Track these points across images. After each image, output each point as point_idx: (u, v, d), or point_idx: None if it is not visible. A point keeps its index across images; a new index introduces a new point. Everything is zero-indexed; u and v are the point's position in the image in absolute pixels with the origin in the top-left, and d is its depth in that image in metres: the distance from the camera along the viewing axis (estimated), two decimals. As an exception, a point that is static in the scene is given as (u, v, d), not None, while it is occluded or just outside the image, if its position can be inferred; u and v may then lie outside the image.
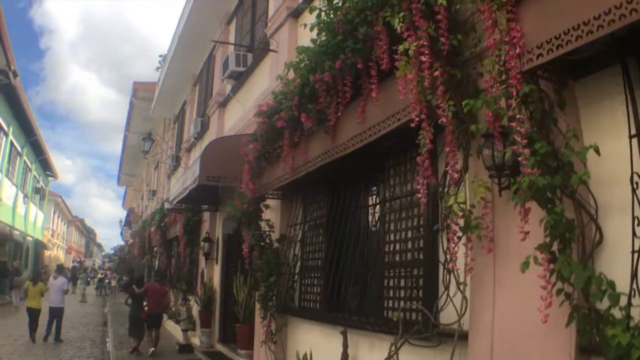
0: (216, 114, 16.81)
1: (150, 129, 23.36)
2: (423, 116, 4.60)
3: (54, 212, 66.71)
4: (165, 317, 20.55)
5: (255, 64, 13.27)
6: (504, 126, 4.02)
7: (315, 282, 8.49)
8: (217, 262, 15.50)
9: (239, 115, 13.77)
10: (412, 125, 4.64)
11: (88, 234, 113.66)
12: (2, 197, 33.44)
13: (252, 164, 9.09)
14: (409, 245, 6.10)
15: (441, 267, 5.21)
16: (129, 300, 15.49)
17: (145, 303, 15.09)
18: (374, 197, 7.16)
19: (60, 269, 18.72)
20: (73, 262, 73.83)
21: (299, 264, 9.11)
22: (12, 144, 35.76)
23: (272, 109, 8.02)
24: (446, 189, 4.83)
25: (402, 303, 6.04)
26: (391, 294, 6.37)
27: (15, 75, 28.41)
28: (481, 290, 4.66)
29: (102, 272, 53.62)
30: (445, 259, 4.88)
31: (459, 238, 4.57)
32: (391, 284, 6.40)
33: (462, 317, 4.77)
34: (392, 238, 6.48)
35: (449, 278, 4.87)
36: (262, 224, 9.44)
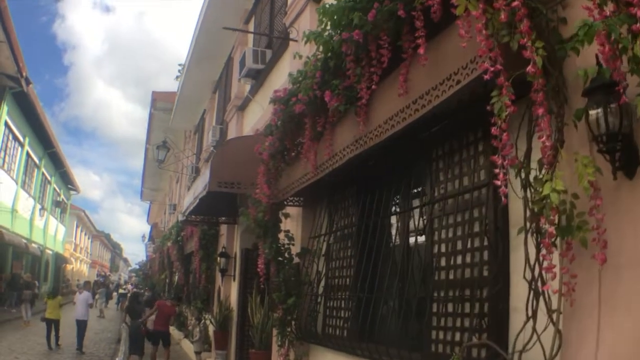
0: (234, 119, 15.59)
1: (165, 136, 22.20)
2: (498, 67, 3.18)
3: (77, 226, 66.28)
4: (181, 335, 19.38)
5: (275, 60, 12.03)
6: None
7: (343, 304, 7.02)
8: (234, 279, 14.17)
9: (258, 117, 12.46)
10: (486, 77, 3.22)
11: (114, 248, 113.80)
12: (17, 209, 32.62)
13: (267, 163, 7.69)
14: (468, 259, 4.64)
15: (517, 287, 3.80)
16: (127, 318, 15.07)
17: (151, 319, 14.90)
18: (419, 198, 5.69)
19: (85, 285, 20.92)
20: (97, 276, 73.38)
21: (322, 283, 7.66)
22: (28, 155, 35.11)
23: (290, 92, 6.62)
24: (535, 173, 3.35)
25: (457, 335, 4.60)
26: (442, 322, 4.90)
27: (28, 82, 27.54)
28: (582, 320, 3.22)
29: (124, 287, 52.61)
30: (533, 276, 3.42)
31: (555, 245, 3.13)
32: (442, 309, 4.93)
33: (553, 359, 3.32)
34: (443, 249, 5.03)
35: (536, 303, 3.41)
36: (281, 235, 8.00)
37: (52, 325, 17.81)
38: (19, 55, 25.18)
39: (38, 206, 39.25)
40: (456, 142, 5.01)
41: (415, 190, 5.73)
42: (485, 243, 4.45)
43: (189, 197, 12.92)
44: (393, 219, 6.07)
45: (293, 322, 7.68)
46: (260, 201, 7.79)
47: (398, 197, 6.00)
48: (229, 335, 13.89)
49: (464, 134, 4.85)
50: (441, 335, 4.87)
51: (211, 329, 14.76)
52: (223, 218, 14.66)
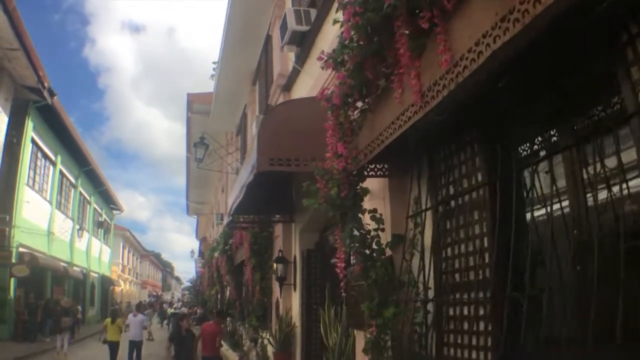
0: (280, 102, 13.41)
1: (203, 132, 20.23)
2: None
3: (123, 247, 65.24)
4: (236, 356, 17.28)
5: (322, 19, 10.11)
6: None
7: (473, 310, 4.66)
8: (295, 289, 11.99)
9: (308, 89, 10.34)
10: None
11: (164, 268, 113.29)
12: (54, 232, 31.14)
13: (338, 113, 5.39)
14: None
15: None
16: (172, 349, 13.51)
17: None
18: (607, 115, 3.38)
19: (139, 308, 22.10)
20: (149, 296, 72.59)
21: (432, 281, 5.32)
22: (62, 174, 33.82)
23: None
24: None
25: None
26: None
27: (52, 94, 26.03)
28: None
29: (175, 307, 50.86)
30: None
31: None
32: None
33: None
34: None
35: None
36: (364, 217, 5.67)
37: (113, 346, 19.15)
38: (38, 64, 23.70)
39: (77, 227, 37.84)
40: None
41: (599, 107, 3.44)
42: None
43: (234, 192, 10.80)
44: (563, 157, 3.76)
45: (391, 343, 5.38)
46: (331, 172, 5.52)
47: (557, 125, 3.72)
48: (292, 357, 11.74)
49: None
50: None
51: (270, 349, 12.65)
52: (277, 216, 12.50)
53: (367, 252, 5.46)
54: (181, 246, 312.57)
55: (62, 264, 32.33)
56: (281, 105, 8.83)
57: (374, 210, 5.62)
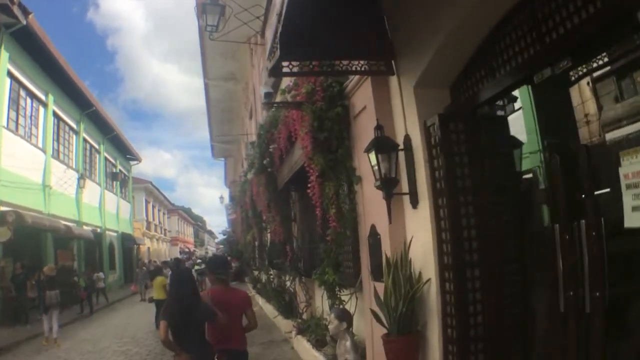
0: None
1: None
2: None
3: (147, 202, 59.32)
4: (290, 327, 11.24)
5: None
6: None
7: None
8: (415, 204, 5.79)
9: None
10: None
11: (196, 222, 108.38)
12: (51, 185, 25.12)
13: None
14: None
15: None
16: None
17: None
18: None
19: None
20: (180, 253, 67.01)
21: None
22: (57, 116, 27.65)
23: None
24: None
25: None
26: None
27: (25, 12, 19.62)
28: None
29: (198, 263, 42.10)
30: None
31: None
32: None
33: None
34: None
35: None
36: None
37: (159, 305, 17.46)
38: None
39: (88, 181, 31.70)
40: None
41: None
42: None
43: None
44: None
45: None
46: None
47: None
48: (423, 345, 5.76)
49: None
50: None
51: (364, 324, 6.80)
52: (360, 64, 6.11)
53: None
54: (211, 199, 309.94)
55: (65, 222, 26.03)
56: None
57: None
